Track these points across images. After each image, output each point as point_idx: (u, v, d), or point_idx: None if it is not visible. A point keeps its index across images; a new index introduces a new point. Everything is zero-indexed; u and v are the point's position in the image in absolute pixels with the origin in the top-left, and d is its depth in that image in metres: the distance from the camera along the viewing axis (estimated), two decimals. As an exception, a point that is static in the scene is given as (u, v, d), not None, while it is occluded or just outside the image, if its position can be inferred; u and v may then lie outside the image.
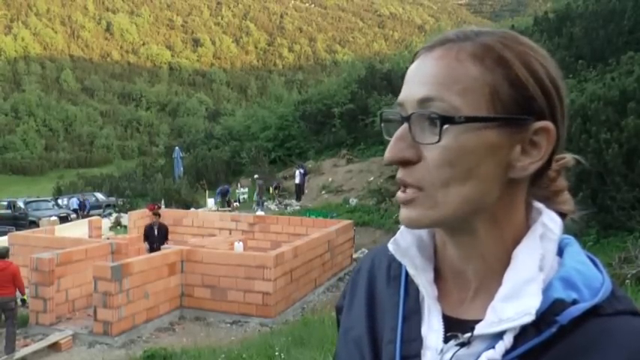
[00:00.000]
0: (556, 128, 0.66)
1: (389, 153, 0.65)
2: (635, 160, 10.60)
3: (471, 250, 0.68)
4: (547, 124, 0.65)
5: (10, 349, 8.34)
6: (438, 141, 0.63)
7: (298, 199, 23.37)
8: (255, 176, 25.06)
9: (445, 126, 0.62)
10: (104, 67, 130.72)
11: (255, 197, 23.24)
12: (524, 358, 0.61)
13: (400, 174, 0.66)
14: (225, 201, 23.96)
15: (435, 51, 0.66)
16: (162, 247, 10.92)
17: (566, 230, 0.71)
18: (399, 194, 0.66)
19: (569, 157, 0.73)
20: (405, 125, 0.65)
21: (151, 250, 11.06)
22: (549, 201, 0.71)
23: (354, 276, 0.86)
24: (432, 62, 0.66)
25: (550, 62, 0.67)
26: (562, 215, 0.71)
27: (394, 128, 0.67)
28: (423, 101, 0.64)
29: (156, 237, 11.33)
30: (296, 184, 23.76)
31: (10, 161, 74.38)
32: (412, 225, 0.67)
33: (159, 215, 11.88)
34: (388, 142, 0.66)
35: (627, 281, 7.15)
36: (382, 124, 0.71)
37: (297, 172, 23.82)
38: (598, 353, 0.60)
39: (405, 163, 0.65)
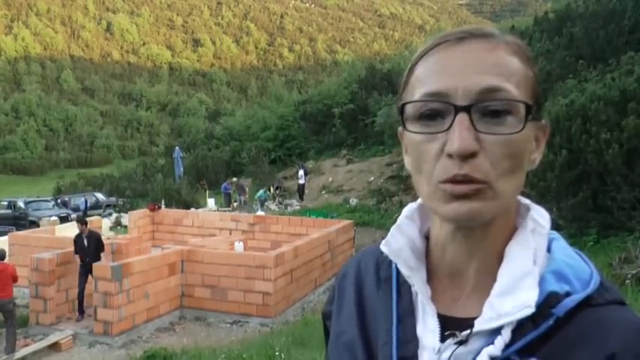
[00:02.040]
0: None
1: (460, 144, 0.61)
2: (636, 161, 10.59)
3: (478, 244, 0.68)
4: (547, 122, 0.70)
5: (10, 349, 8.35)
6: (522, 129, 0.62)
7: (301, 199, 23.33)
8: (234, 179, 25.26)
9: (529, 116, 0.63)
10: (104, 67, 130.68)
11: (239, 197, 23.69)
12: (523, 351, 0.62)
13: (466, 169, 0.62)
14: (227, 201, 23.97)
15: (472, 42, 0.66)
16: (96, 262, 9.42)
17: (567, 231, 0.72)
18: (459, 187, 0.62)
19: None
20: (465, 116, 0.62)
21: (83, 264, 9.68)
22: None
23: (339, 282, 0.85)
24: (484, 53, 0.65)
25: None
26: None
27: (432, 120, 0.65)
28: (488, 91, 0.62)
29: (86, 249, 9.79)
30: (299, 184, 23.64)
31: (11, 161, 74.32)
32: (474, 219, 0.64)
33: (85, 224, 10.19)
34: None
35: (627, 281, 7.15)
36: (403, 117, 0.68)
37: (301, 173, 23.73)
38: (593, 343, 0.62)
39: (470, 156, 0.62)
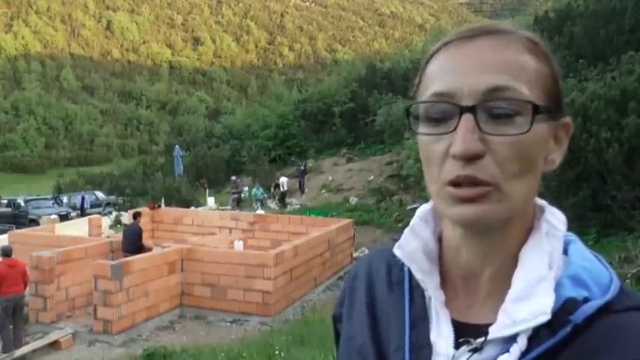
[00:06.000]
0: None
1: (463, 145, 0.60)
2: (636, 160, 10.60)
3: (493, 248, 0.66)
4: (569, 119, 0.67)
5: (19, 343, 8.46)
6: (528, 131, 0.60)
7: (282, 204, 22.93)
8: (233, 177, 25.49)
9: (537, 116, 0.60)
10: (104, 66, 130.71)
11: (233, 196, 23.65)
12: None
13: (469, 170, 0.60)
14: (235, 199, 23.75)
15: (483, 39, 0.64)
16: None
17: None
18: (462, 191, 0.61)
19: None
20: (470, 116, 0.60)
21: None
22: None
23: (350, 283, 0.83)
24: (494, 51, 0.62)
25: None
26: None
27: (439, 121, 0.63)
28: (494, 90, 0.60)
29: None
30: (281, 192, 23.23)
31: (11, 159, 74.42)
32: (480, 223, 0.62)
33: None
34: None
35: (627, 281, 7.17)
36: (410, 119, 0.67)
37: (282, 180, 23.40)
38: (614, 351, 0.59)
39: (474, 158, 0.60)
